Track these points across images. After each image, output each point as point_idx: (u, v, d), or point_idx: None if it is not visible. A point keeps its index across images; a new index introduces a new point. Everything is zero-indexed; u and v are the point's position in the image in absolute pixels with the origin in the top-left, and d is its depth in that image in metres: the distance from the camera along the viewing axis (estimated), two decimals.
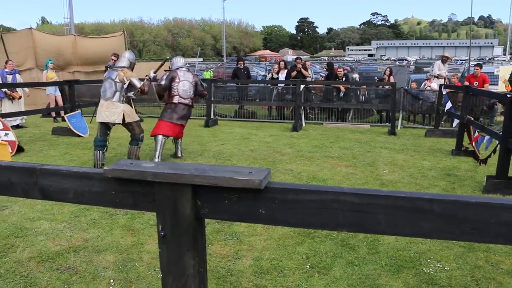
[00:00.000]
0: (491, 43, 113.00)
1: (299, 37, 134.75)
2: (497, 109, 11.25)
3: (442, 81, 11.88)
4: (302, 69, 12.77)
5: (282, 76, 12.97)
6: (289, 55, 70.48)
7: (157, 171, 1.34)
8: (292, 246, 4.01)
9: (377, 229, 1.27)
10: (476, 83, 11.15)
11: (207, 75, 21.60)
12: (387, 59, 72.72)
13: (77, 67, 15.93)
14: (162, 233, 1.40)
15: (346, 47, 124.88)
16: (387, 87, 11.86)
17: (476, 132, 7.36)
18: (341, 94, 12.23)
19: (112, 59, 11.72)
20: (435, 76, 12.31)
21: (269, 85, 13.50)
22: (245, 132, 10.44)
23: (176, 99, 7.07)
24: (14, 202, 5.10)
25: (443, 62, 12.68)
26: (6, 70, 11.24)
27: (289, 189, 1.29)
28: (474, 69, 11.86)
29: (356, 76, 15.36)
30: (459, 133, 8.07)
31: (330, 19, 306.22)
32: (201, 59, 59.86)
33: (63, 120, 10.71)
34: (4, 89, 10.74)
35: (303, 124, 11.47)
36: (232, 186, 1.28)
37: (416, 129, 11.23)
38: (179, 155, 7.54)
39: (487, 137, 6.78)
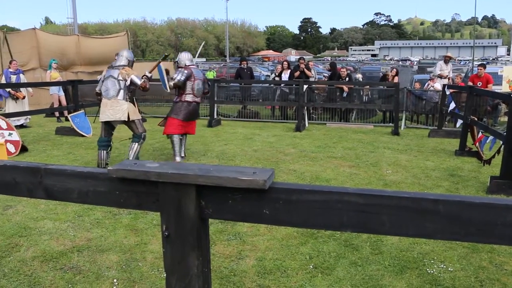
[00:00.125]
0: (495, 43, 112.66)
1: (302, 37, 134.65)
2: (501, 109, 11.23)
3: (446, 82, 11.85)
4: (305, 69, 12.77)
5: (285, 76, 12.97)
6: (292, 55, 70.50)
7: (161, 171, 1.34)
8: (295, 246, 4.00)
9: (381, 229, 1.27)
10: (479, 83, 11.11)
11: (210, 75, 21.60)
12: (390, 59, 72.64)
13: (80, 67, 15.98)
14: (166, 233, 1.40)
15: (349, 47, 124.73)
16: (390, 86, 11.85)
17: (480, 132, 7.34)
18: (344, 94, 12.22)
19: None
20: (437, 76, 12.29)
21: (272, 85, 13.50)
22: (248, 132, 10.44)
23: (190, 98, 7.13)
24: (18, 202, 5.11)
25: (446, 62, 12.64)
26: (10, 70, 11.29)
27: (293, 189, 1.29)
28: (478, 69, 11.83)
29: (359, 76, 15.36)
30: (463, 133, 8.04)
31: (333, 19, 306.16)
32: (204, 59, 59.89)
33: (67, 120, 10.74)
34: (8, 89, 10.79)
35: (306, 124, 11.47)
36: (236, 186, 1.28)
37: (420, 130, 11.21)
38: (182, 154, 7.55)
39: (491, 137, 6.76)
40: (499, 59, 60.12)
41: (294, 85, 12.27)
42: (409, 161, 7.45)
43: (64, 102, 12.40)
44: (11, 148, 7.89)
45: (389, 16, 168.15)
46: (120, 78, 6.48)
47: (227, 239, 4.15)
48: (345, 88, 12.19)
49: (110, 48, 14.98)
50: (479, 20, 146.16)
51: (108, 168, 1.43)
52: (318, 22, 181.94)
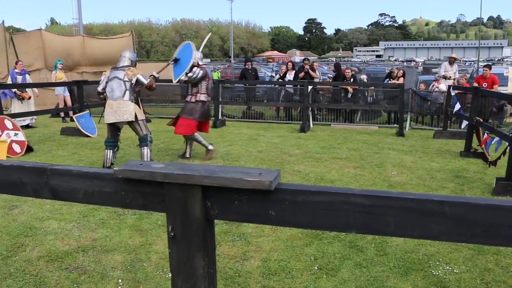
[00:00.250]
0: (501, 44, 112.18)
1: (306, 38, 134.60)
2: (506, 110, 11.19)
3: (450, 82, 11.80)
4: (309, 70, 12.76)
5: (290, 77, 12.96)
6: (297, 56, 70.46)
7: (167, 172, 1.35)
8: (300, 248, 4.00)
9: (386, 230, 1.27)
10: (485, 84, 11.06)
11: (215, 76, 21.60)
12: (395, 60, 72.49)
13: (85, 68, 16.03)
14: (172, 234, 1.40)
15: (354, 48, 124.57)
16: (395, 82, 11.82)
17: (485, 133, 7.31)
18: (349, 95, 12.20)
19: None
20: (441, 77, 12.24)
21: (276, 86, 13.50)
22: (252, 133, 10.45)
23: (204, 97, 7.30)
24: (23, 202, 5.14)
25: (451, 63, 12.59)
26: (16, 70, 11.34)
27: (299, 190, 1.29)
28: (483, 70, 11.78)
29: (364, 77, 15.32)
30: (468, 134, 8.01)
31: (338, 20, 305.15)
32: (208, 60, 59.94)
33: (72, 120, 10.78)
34: (14, 89, 10.84)
35: (311, 125, 11.46)
36: (242, 187, 1.28)
37: (425, 131, 11.18)
38: (187, 155, 7.56)
39: (496, 138, 6.73)
40: (505, 60, 59.87)
41: (298, 86, 12.27)
42: (414, 162, 7.43)
43: (69, 103, 12.45)
44: (17, 148, 7.93)
45: (394, 17, 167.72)
46: (126, 79, 6.48)
47: (231, 240, 4.16)
48: (350, 89, 12.18)
49: (115, 48, 15.00)
50: (485, 20, 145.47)
51: (114, 168, 1.44)
52: (323, 23, 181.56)
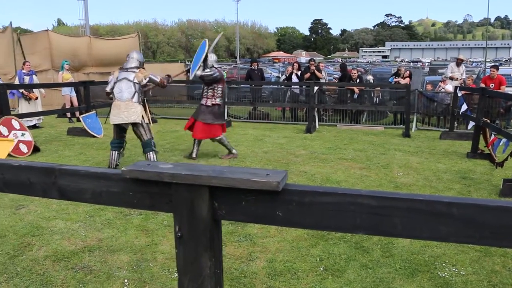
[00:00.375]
0: (508, 44, 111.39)
1: (312, 39, 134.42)
2: None
3: (457, 83, 11.74)
4: (315, 70, 12.75)
5: (295, 78, 12.95)
6: (303, 57, 70.39)
7: (174, 173, 1.35)
8: (305, 248, 4.00)
9: (394, 232, 1.27)
10: (492, 85, 11.00)
11: None
12: (401, 61, 72.22)
13: (92, 68, 16.10)
14: (179, 234, 1.40)
15: (360, 48, 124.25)
16: (402, 80, 11.78)
17: (493, 135, 7.27)
18: (355, 96, 12.18)
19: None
20: (448, 78, 12.19)
21: (282, 86, 13.49)
22: (258, 133, 10.45)
23: (219, 101, 7.50)
24: (30, 202, 5.17)
25: (458, 64, 12.53)
26: (24, 71, 11.41)
27: (307, 191, 1.29)
28: (491, 70, 11.71)
29: (370, 77, 15.28)
30: (475, 135, 7.97)
31: (344, 20, 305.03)
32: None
33: (78, 120, 10.83)
34: (21, 90, 10.91)
35: (317, 126, 11.45)
36: (249, 188, 1.28)
37: (431, 132, 11.14)
38: (194, 156, 7.58)
39: (504, 140, 6.70)
40: None
41: (304, 87, 12.26)
42: (420, 163, 7.41)
43: (75, 103, 12.51)
44: (24, 148, 7.98)
45: (400, 17, 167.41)
46: (136, 81, 6.50)
47: (237, 241, 4.16)
48: (356, 90, 12.15)
49: (121, 49, 15.06)
50: (492, 21, 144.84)
51: (122, 169, 1.44)
52: (329, 24, 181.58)
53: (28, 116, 10.15)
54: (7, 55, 14.43)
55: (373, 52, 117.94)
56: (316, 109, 11.50)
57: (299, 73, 13.01)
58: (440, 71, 20.86)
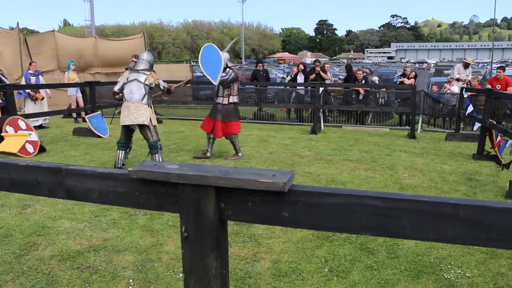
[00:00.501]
0: None
1: (318, 40, 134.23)
2: None
3: (462, 84, 11.69)
4: (320, 71, 12.74)
5: (300, 78, 12.95)
6: (308, 58, 70.33)
7: (181, 173, 1.35)
8: (310, 249, 3.99)
9: (401, 233, 1.26)
10: (498, 86, 10.95)
11: None
12: (407, 62, 71.99)
13: (97, 69, 16.14)
14: (185, 234, 1.41)
15: (365, 49, 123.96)
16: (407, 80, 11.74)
17: (499, 136, 7.24)
18: (360, 97, 12.16)
19: (133, 61, 11.86)
20: (455, 79, 12.14)
21: (287, 87, 13.48)
22: (263, 134, 10.45)
23: (236, 99, 7.59)
24: (36, 201, 5.19)
25: (465, 67, 12.46)
26: (30, 71, 11.48)
27: (313, 192, 1.29)
28: (497, 72, 11.65)
29: (375, 78, 15.26)
30: (481, 137, 7.94)
31: (349, 21, 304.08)
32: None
33: (84, 121, 10.87)
34: (27, 90, 10.97)
35: (322, 127, 11.43)
36: (255, 189, 1.28)
37: (436, 133, 11.10)
38: (208, 155, 7.70)
39: (510, 141, 6.66)
40: None
41: (310, 88, 12.25)
42: (426, 165, 7.38)
43: (81, 103, 12.56)
44: (30, 148, 8.02)
45: (406, 18, 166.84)
46: (147, 83, 6.55)
47: (242, 241, 4.16)
48: (361, 91, 12.13)
49: (127, 50, 15.10)
50: (498, 21, 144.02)
51: (129, 169, 1.45)
52: (334, 24, 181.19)
53: (34, 116, 10.21)
54: (14, 55, 14.51)
55: (379, 53, 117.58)
56: (321, 110, 11.49)
57: (304, 74, 12.99)
58: (446, 72, 20.77)
